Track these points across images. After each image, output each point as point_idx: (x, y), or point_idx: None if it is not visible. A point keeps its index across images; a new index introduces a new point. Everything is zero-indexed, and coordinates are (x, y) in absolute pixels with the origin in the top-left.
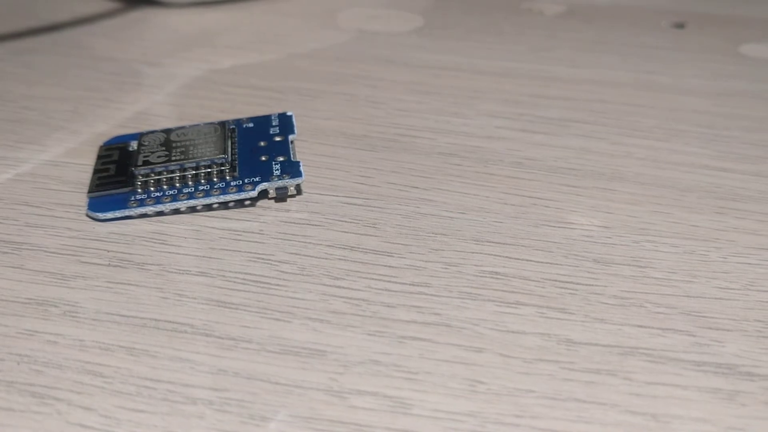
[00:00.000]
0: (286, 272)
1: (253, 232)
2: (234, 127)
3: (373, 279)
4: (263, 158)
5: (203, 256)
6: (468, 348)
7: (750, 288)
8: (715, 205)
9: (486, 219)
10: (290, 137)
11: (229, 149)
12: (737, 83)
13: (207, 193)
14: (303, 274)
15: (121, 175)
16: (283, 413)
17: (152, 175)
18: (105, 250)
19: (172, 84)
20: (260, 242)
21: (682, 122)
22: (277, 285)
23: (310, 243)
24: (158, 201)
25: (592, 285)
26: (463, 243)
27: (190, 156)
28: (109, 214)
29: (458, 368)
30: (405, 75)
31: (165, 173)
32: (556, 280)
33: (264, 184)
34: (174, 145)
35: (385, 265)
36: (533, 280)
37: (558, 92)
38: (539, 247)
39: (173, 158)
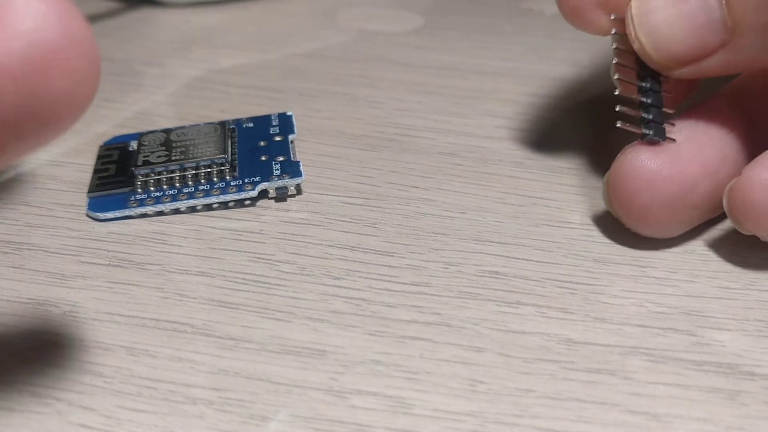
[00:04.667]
0: (287, 272)
1: (253, 232)
2: (234, 127)
3: (373, 279)
4: (263, 158)
5: (203, 256)
6: (468, 348)
7: (750, 287)
8: None
9: (486, 219)
10: (290, 137)
11: (229, 149)
12: None
13: (207, 193)
14: (303, 274)
15: (121, 175)
16: (284, 413)
17: (152, 175)
18: (105, 250)
19: (172, 84)
20: (260, 242)
21: None
22: (278, 285)
23: (310, 243)
24: (158, 201)
25: (593, 284)
26: (463, 243)
27: (190, 156)
28: (109, 214)
29: (459, 368)
30: (405, 75)
31: (165, 173)
32: (556, 280)
33: (264, 183)
34: (174, 145)
35: (386, 265)
36: (533, 280)
37: (558, 92)
38: (539, 247)
39: (173, 158)
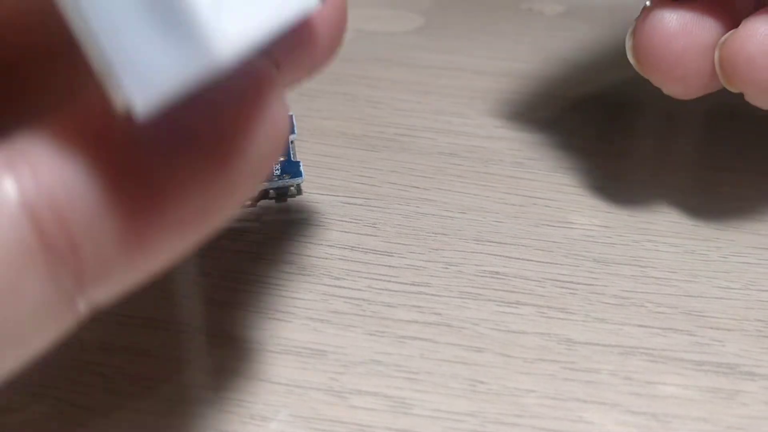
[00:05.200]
0: (287, 272)
1: (253, 232)
2: None
3: (373, 279)
4: None
5: (203, 256)
6: (469, 348)
7: (750, 287)
8: (716, 204)
9: (486, 219)
10: (290, 137)
11: None
12: None
13: None
14: (303, 274)
15: None
16: (284, 413)
17: None
18: None
19: None
20: (260, 242)
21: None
22: (278, 285)
23: (310, 243)
24: None
25: (593, 285)
26: (463, 243)
27: None
28: None
29: (458, 368)
30: (405, 75)
31: None
32: (556, 280)
33: (264, 184)
34: None
35: (386, 265)
36: (534, 280)
37: (558, 92)
38: (540, 247)
39: None
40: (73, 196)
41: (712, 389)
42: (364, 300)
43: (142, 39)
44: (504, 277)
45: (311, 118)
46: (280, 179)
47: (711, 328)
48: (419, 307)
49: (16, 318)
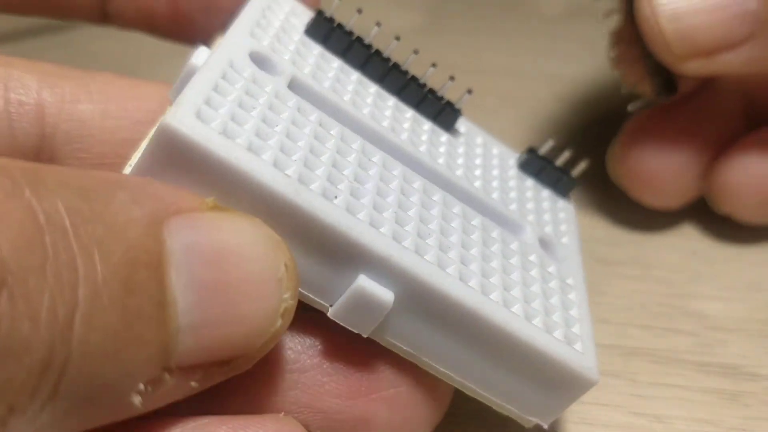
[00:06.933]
0: None
1: None
2: None
3: None
4: None
5: None
6: None
7: (753, 289)
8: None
9: None
10: None
11: None
12: None
13: None
14: None
15: None
16: None
17: None
18: None
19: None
20: None
21: None
22: None
23: None
24: None
25: (595, 285)
26: None
27: None
28: None
29: None
30: None
31: None
32: None
33: None
34: None
35: None
36: None
37: (558, 92)
38: None
39: None
40: None
41: (714, 390)
42: None
43: None
44: None
45: None
46: None
47: (714, 329)
48: None
49: None
